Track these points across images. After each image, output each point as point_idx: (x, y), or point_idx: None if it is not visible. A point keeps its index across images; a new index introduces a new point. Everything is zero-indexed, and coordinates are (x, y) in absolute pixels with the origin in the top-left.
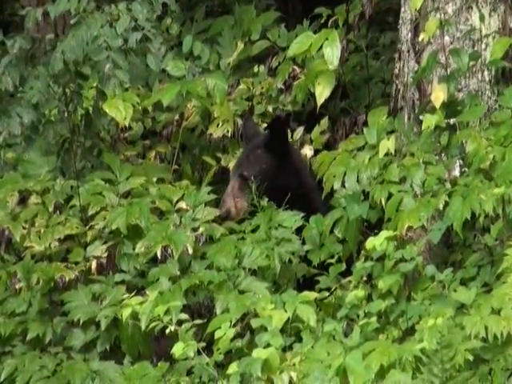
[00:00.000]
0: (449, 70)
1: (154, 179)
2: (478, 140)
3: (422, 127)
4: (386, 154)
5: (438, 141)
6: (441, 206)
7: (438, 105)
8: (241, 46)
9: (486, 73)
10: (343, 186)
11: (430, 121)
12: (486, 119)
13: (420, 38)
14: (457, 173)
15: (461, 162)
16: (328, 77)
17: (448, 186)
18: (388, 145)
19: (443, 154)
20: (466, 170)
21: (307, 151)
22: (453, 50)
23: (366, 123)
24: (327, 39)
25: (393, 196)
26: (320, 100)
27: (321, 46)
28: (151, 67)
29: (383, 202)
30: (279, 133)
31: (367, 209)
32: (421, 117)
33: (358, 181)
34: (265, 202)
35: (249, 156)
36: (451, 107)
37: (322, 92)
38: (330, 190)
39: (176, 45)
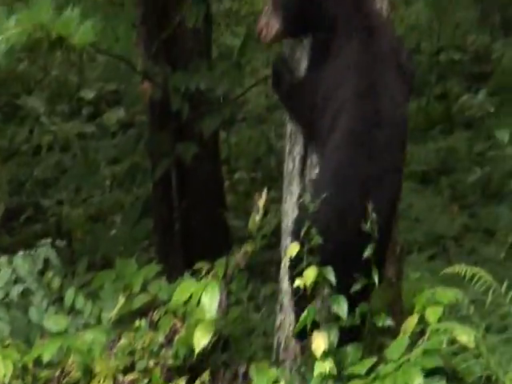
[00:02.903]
0: None
1: None
2: None
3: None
4: None
5: None
6: None
7: (318, 354)
8: (122, 300)
9: None
10: None
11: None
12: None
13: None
14: None
15: None
16: (206, 325)
17: None
18: None
19: None
20: None
21: None
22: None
23: (246, 375)
24: (206, 288)
25: None
26: (198, 348)
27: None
28: (32, 320)
29: None
30: None
31: None
32: (302, 369)
33: None
34: None
35: None
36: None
37: (200, 340)
38: None
39: (57, 299)
